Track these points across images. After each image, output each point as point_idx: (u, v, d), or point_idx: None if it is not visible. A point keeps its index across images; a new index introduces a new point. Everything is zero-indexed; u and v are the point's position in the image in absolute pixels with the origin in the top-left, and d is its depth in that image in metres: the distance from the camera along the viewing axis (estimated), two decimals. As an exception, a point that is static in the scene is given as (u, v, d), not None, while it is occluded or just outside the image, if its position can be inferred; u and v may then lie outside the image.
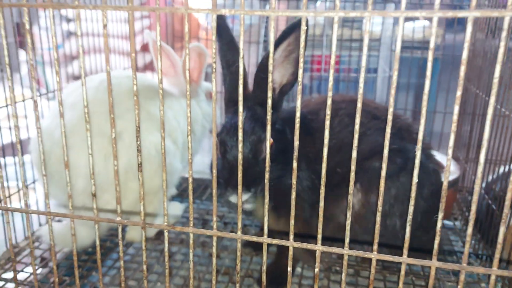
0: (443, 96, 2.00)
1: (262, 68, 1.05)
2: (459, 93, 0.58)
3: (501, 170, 1.49)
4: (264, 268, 0.71)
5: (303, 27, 0.60)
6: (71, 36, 2.74)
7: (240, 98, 0.65)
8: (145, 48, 2.64)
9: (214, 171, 0.69)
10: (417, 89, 2.19)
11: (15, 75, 1.37)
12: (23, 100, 1.54)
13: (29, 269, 1.43)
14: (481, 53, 1.66)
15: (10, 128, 1.49)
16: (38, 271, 1.43)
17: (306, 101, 1.42)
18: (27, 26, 0.68)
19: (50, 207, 0.81)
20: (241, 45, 0.63)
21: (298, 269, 1.40)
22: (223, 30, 1.11)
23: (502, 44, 0.55)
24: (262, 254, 1.47)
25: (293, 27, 0.98)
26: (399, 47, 0.58)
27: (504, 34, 0.54)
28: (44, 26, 3.01)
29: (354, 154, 0.64)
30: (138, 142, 0.70)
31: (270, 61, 0.62)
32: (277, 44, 1.01)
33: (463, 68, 0.57)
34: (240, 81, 0.64)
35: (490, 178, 1.56)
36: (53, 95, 1.83)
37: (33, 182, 1.65)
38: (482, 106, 1.63)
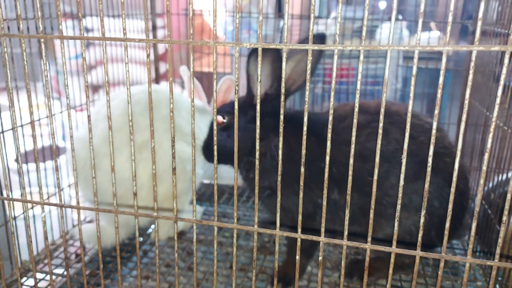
0: (456, 109, 2.10)
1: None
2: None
3: (498, 179, 1.60)
4: (277, 256, 0.85)
5: (309, 57, 0.74)
6: (90, 46, 2.88)
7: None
8: (161, 57, 2.79)
9: (235, 163, 0.83)
10: (431, 99, 2.23)
11: (38, 85, 1.50)
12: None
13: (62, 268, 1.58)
14: (480, 68, 1.78)
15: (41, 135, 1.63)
16: (73, 266, 1.58)
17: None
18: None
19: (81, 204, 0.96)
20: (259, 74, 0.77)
21: (309, 268, 1.52)
22: None
23: (502, 77, 0.67)
24: (275, 254, 1.61)
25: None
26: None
27: (504, 70, 0.67)
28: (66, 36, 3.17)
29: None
30: (173, 150, 0.84)
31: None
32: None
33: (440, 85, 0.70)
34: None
35: (487, 186, 1.68)
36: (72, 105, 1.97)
37: (68, 186, 1.82)
38: (481, 118, 1.75)
